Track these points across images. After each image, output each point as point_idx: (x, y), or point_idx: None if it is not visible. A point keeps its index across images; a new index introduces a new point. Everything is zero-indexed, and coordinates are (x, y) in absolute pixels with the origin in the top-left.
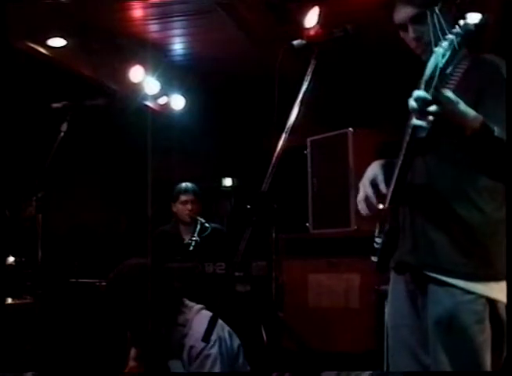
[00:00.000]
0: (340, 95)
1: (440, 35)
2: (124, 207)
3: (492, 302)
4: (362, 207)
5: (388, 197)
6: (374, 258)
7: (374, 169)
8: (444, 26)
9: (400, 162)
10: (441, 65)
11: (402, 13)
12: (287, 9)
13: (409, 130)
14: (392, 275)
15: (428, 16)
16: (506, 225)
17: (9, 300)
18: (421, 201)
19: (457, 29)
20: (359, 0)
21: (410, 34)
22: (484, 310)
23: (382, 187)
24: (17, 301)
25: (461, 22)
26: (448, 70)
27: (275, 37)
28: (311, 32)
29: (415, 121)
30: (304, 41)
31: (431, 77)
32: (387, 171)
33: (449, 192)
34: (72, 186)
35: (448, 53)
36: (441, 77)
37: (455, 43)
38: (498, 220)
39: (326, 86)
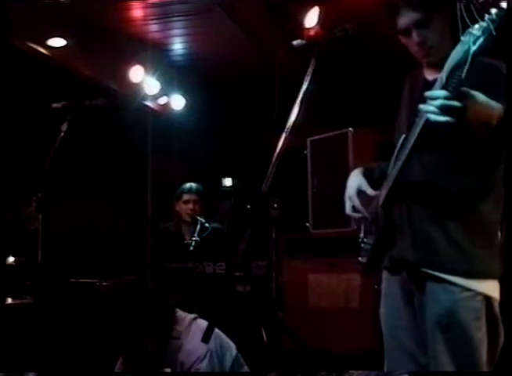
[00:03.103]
0: (340, 95)
1: (469, 24)
2: (124, 207)
3: (488, 300)
4: (353, 217)
5: (382, 198)
6: (362, 259)
7: (357, 178)
8: (467, 19)
9: (404, 159)
10: (472, 52)
11: (407, 18)
12: (287, 9)
13: (418, 128)
14: (385, 276)
15: (457, 8)
16: (506, 224)
17: (9, 300)
18: (418, 199)
19: (491, 16)
20: (359, 0)
21: (414, 39)
22: (482, 307)
23: (369, 191)
24: (17, 301)
25: (493, 10)
26: (479, 57)
27: (275, 37)
28: (311, 32)
29: (436, 118)
30: (304, 41)
31: (459, 63)
32: (368, 178)
33: (447, 191)
34: (72, 186)
35: (481, 39)
36: (473, 62)
37: (491, 29)
38: (494, 219)
39: (326, 86)
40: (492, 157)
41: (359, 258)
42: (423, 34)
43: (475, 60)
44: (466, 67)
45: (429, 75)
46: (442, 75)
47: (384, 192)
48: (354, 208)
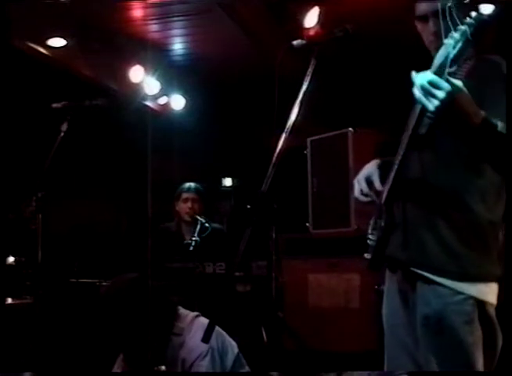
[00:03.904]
0: (340, 95)
1: (452, 28)
2: (124, 207)
3: (481, 303)
4: (360, 199)
5: (385, 194)
6: (368, 256)
7: (370, 167)
8: (456, 19)
9: (399, 159)
10: (452, 56)
11: (427, 5)
12: (287, 9)
13: (411, 126)
14: (387, 274)
15: (439, 10)
16: (506, 225)
17: (9, 300)
18: (413, 198)
19: (470, 20)
20: (359, 0)
21: (430, 28)
22: (473, 311)
23: (377, 185)
24: (17, 301)
25: (473, 13)
26: (458, 62)
27: (275, 37)
28: (311, 32)
29: (422, 100)
30: (304, 41)
31: (440, 67)
32: (383, 170)
33: (442, 190)
34: (72, 186)
35: (459, 44)
36: (452, 67)
37: (468, 34)
38: (488, 221)
39: (327, 86)
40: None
41: (365, 255)
42: (440, 23)
43: (479, 57)
44: (447, 72)
45: None
46: None
47: (385, 189)
48: (362, 192)
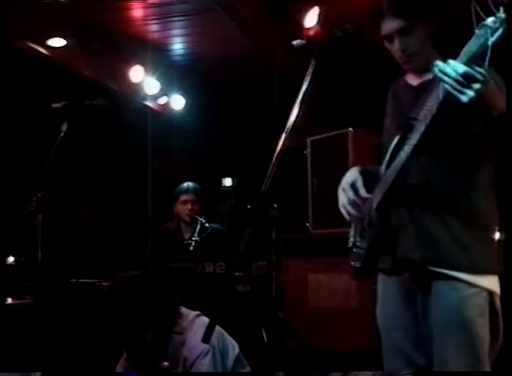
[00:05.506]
0: (340, 95)
1: (483, 16)
2: (124, 207)
3: (491, 295)
4: (345, 211)
5: (377, 200)
6: (356, 264)
7: (353, 174)
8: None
9: (402, 163)
10: (490, 43)
11: (390, 25)
12: (287, 9)
13: (423, 127)
14: (381, 278)
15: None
16: (506, 224)
17: (9, 300)
18: (419, 200)
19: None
20: (359, 0)
21: (396, 46)
22: (486, 304)
23: (362, 191)
24: (17, 301)
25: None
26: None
27: (275, 37)
28: (311, 32)
29: (454, 92)
30: (304, 41)
31: (472, 57)
32: (365, 177)
33: (446, 190)
34: (72, 186)
35: (500, 30)
36: (493, 54)
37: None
38: (492, 217)
39: (327, 86)
40: (488, 156)
41: (352, 263)
42: (405, 41)
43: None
44: (488, 59)
45: (412, 81)
46: None
47: (378, 195)
48: (349, 200)
